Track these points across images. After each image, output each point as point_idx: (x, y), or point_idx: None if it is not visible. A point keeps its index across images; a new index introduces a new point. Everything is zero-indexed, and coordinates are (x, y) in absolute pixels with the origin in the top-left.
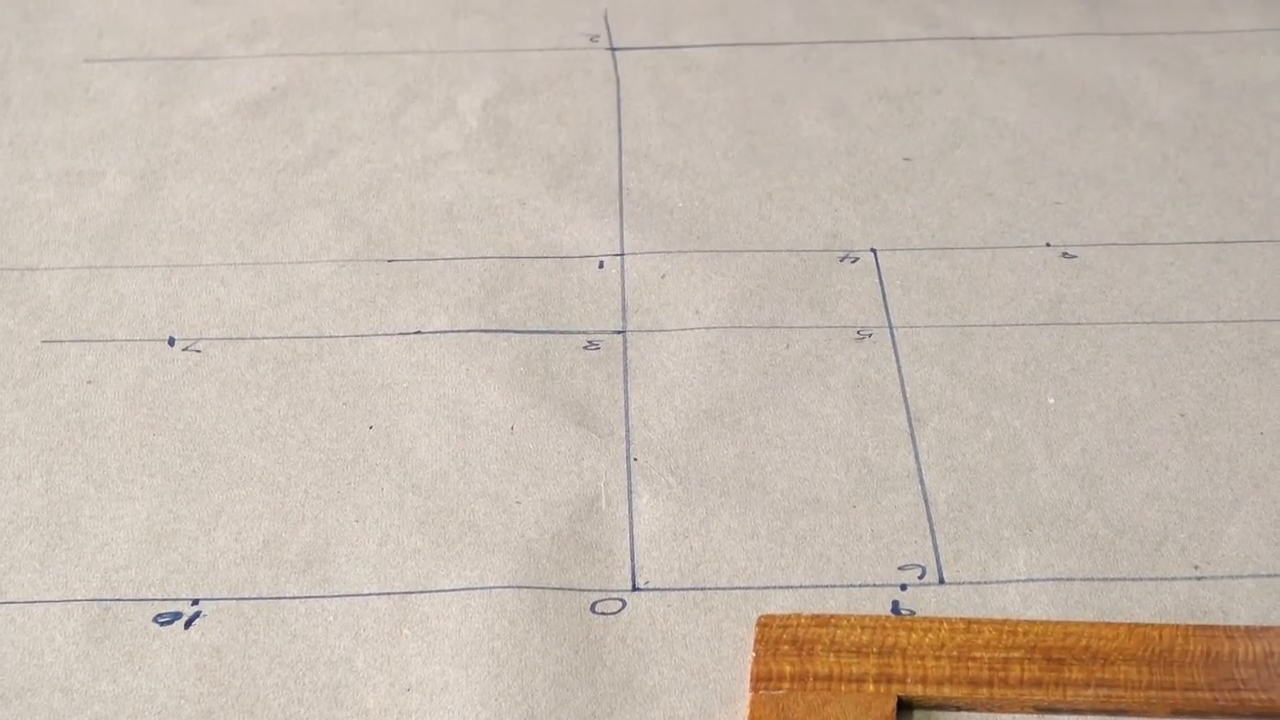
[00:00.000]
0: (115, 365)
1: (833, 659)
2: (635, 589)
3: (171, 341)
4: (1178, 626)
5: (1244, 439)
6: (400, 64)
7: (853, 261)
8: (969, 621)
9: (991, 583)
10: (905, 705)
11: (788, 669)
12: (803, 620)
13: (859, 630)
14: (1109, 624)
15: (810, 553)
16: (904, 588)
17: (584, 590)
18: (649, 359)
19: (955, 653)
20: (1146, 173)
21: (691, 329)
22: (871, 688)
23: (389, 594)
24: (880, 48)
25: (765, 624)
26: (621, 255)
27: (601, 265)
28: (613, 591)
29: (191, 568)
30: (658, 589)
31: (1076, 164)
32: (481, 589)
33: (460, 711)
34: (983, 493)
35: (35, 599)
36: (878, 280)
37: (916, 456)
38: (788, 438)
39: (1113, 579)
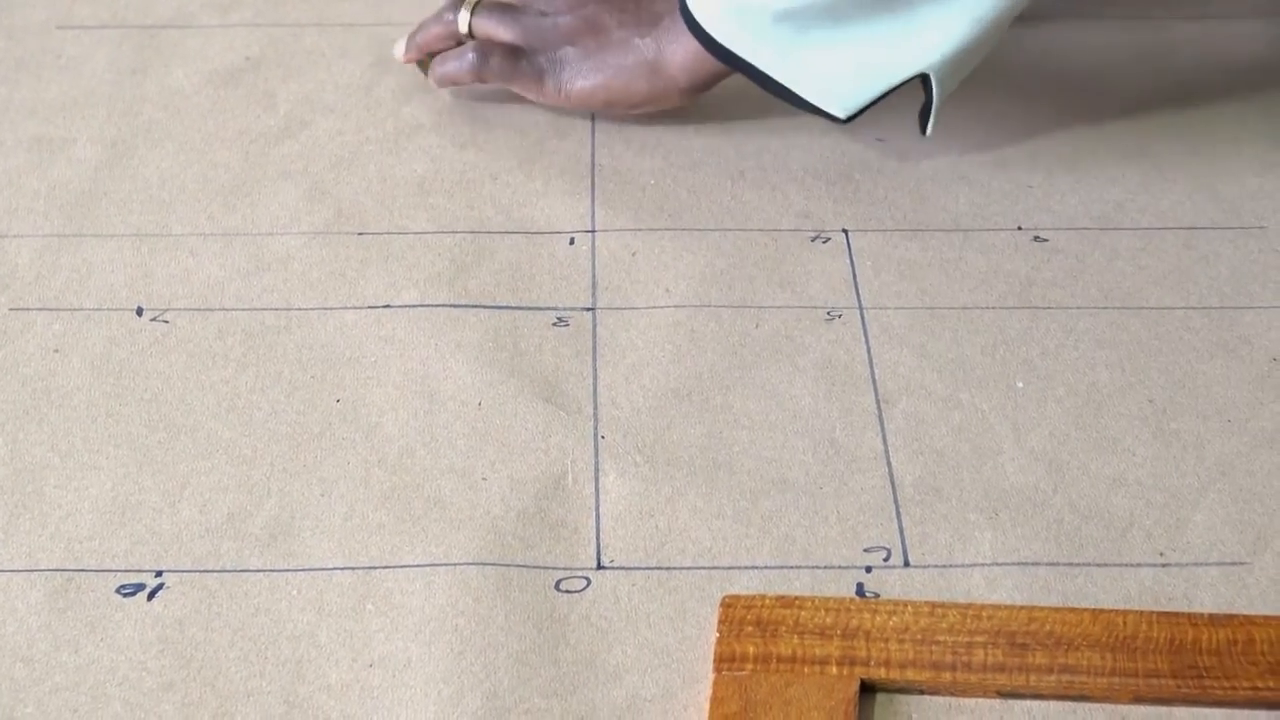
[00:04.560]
0: (82, 334)
1: (796, 641)
2: (600, 567)
3: (140, 311)
4: (1142, 613)
5: (1211, 426)
6: (374, 36)
7: (824, 242)
8: (933, 605)
9: (956, 566)
10: (868, 688)
11: (751, 650)
12: (767, 601)
13: (823, 612)
14: (1073, 609)
15: (776, 533)
16: (869, 570)
17: (549, 568)
18: (618, 336)
19: (919, 636)
20: (1119, 158)
21: (661, 307)
22: (835, 670)
23: (353, 569)
24: None
25: (729, 604)
26: (592, 232)
27: (572, 241)
28: (577, 570)
29: (155, 539)
30: (623, 568)
31: (1049, 148)
32: (446, 565)
33: (422, 688)
34: (949, 476)
35: None
36: (848, 261)
37: (884, 438)
38: (755, 418)
39: (1078, 564)
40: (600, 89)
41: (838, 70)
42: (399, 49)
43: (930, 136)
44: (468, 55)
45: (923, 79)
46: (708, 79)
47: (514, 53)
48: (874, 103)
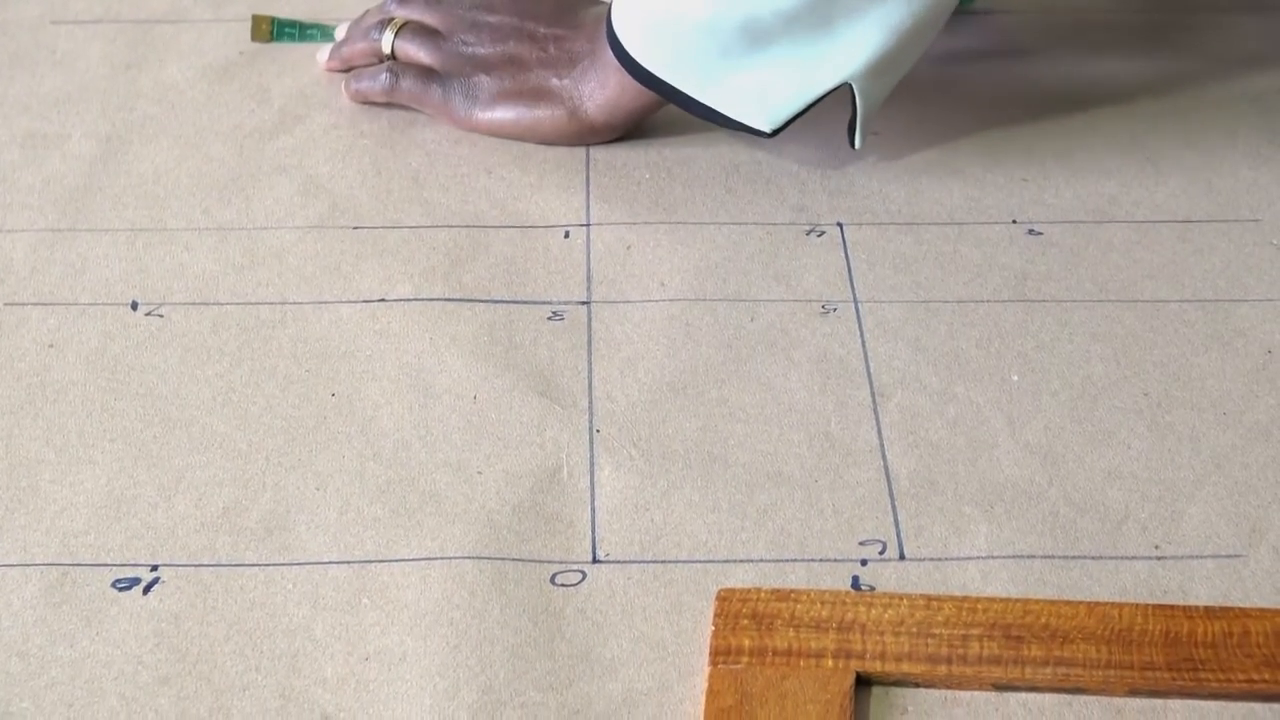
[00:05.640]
0: (77, 329)
1: (792, 634)
2: (595, 561)
3: (134, 306)
4: (1137, 606)
5: (1206, 419)
6: None
7: (819, 235)
8: (929, 598)
9: (952, 559)
10: (864, 681)
11: (747, 643)
12: (762, 594)
13: (819, 605)
14: (1068, 602)
15: (771, 527)
16: (864, 563)
17: (544, 561)
18: (613, 330)
19: (914, 629)
20: (1114, 151)
21: (656, 301)
22: (830, 663)
23: (348, 563)
24: None
25: (725, 598)
26: (587, 225)
27: (567, 235)
28: (573, 563)
29: (151, 533)
30: (618, 561)
31: (1043, 141)
32: (441, 559)
33: (418, 681)
34: (944, 469)
35: None
36: (843, 254)
37: (879, 432)
38: (750, 411)
39: (1073, 557)
40: (509, 124)
41: (760, 87)
42: (322, 56)
43: (860, 150)
44: (381, 75)
45: (848, 91)
46: (625, 118)
47: (427, 75)
48: (798, 115)
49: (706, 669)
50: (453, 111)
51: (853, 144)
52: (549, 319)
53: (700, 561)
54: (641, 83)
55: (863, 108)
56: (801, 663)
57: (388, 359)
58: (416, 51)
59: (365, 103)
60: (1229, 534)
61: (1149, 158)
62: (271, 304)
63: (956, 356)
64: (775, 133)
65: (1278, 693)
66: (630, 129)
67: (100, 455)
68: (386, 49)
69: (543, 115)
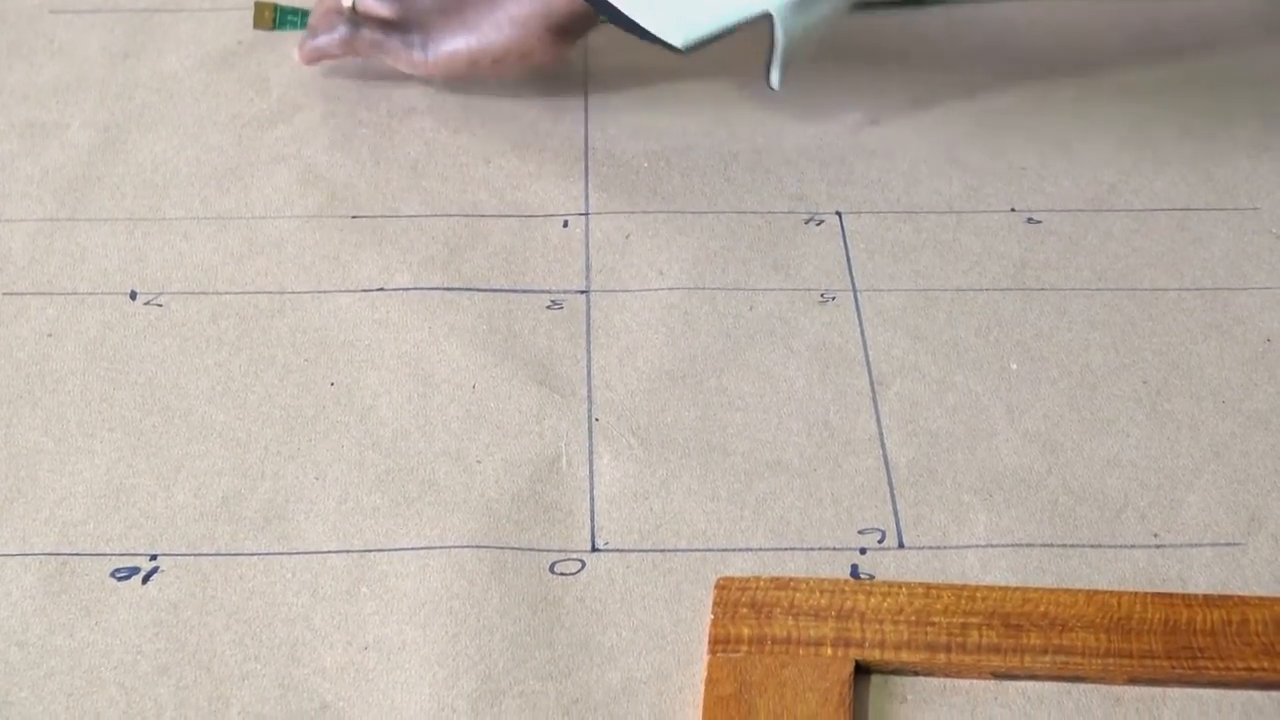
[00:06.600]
0: (76, 318)
1: (791, 622)
2: (595, 550)
3: (133, 295)
4: (1136, 594)
5: (1205, 407)
6: None
7: (817, 224)
8: (928, 586)
9: (951, 548)
10: (863, 669)
11: (746, 631)
12: (761, 583)
13: (818, 594)
14: (1068, 590)
15: (770, 515)
16: (863, 551)
17: (543, 550)
18: (612, 319)
19: (913, 617)
20: (1113, 140)
21: (655, 290)
22: (829, 651)
23: (348, 552)
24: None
25: (724, 586)
26: (586, 215)
27: (566, 224)
28: (572, 552)
29: (150, 523)
30: (617, 550)
31: (1043, 130)
32: (441, 548)
33: (417, 670)
34: (944, 457)
35: None
36: (842, 243)
37: (878, 420)
38: (749, 400)
39: (1072, 545)
40: (462, 50)
41: (680, 4)
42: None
43: (778, 89)
44: (340, 27)
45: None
46: (563, 20)
47: (386, 24)
48: (716, 37)
49: (705, 657)
50: (413, 56)
51: (769, 81)
52: (548, 308)
53: (699, 550)
54: None
55: (784, 42)
56: (800, 651)
57: (386, 348)
58: (377, 5)
59: (321, 59)
60: (1228, 522)
61: (1148, 147)
62: (270, 293)
63: (955, 345)
64: (689, 50)
65: (1276, 680)
66: (572, 45)
67: (99, 445)
68: (347, 1)
69: (487, 28)
